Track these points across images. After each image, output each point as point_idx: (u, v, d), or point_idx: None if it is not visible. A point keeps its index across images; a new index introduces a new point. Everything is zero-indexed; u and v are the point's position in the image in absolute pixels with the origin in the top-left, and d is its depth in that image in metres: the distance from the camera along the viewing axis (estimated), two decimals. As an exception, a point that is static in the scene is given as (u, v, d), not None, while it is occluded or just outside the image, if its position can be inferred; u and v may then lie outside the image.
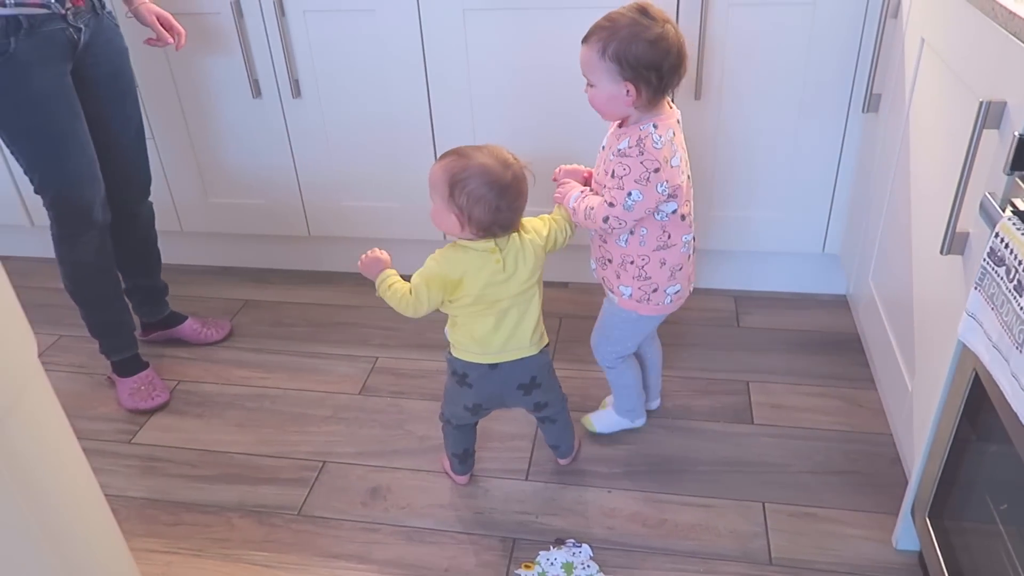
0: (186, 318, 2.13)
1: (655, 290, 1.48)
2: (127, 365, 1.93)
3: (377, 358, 2.02)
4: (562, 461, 1.66)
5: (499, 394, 1.49)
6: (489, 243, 1.35)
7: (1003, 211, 1.02)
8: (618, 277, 1.49)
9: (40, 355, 2.10)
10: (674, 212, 1.42)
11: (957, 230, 1.20)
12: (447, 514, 1.57)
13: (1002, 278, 0.96)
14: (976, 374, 1.12)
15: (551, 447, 1.65)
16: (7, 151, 1.77)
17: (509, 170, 1.31)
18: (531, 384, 1.48)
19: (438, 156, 1.36)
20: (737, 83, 1.87)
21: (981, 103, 1.11)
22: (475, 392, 1.47)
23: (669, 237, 1.44)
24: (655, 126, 1.36)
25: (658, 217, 1.41)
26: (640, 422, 1.72)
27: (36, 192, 1.72)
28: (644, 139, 1.34)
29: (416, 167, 2.08)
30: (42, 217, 2.43)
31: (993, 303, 0.98)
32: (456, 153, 1.33)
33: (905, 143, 1.57)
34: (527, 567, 1.44)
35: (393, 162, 2.12)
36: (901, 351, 1.55)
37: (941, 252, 1.23)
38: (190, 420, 1.86)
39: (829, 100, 1.85)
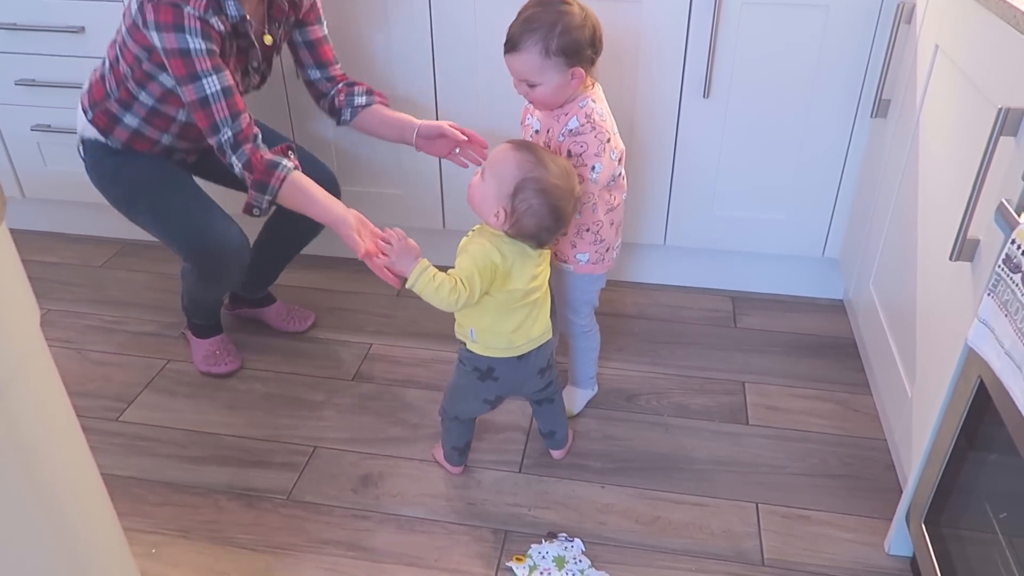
0: (275, 300, 2.07)
1: (607, 249, 1.56)
2: (207, 328, 1.93)
3: (371, 344, 2.00)
4: (556, 454, 1.64)
5: (522, 382, 1.49)
6: (525, 243, 1.34)
7: (1019, 217, 1.01)
8: (574, 247, 1.54)
9: (28, 328, 2.08)
10: (619, 175, 1.50)
11: (968, 236, 1.20)
12: (439, 504, 1.55)
13: (1017, 285, 0.95)
14: (982, 381, 1.11)
15: (546, 435, 1.63)
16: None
17: (571, 199, 1.31)
18: (547, 366, 1.48)
19: (511, 140, 1.34)
20: (746, 83, 1.86)
21: (1000, 109, 1.11)
22: (500, 384, 1.46)
23: (614, 199, 1.51)
24: (593, 101, 1.43)
25: (608, 184, 1.48)
26: (596, 388, 1.79)
27: (186, 259, 1.73)
28: (591, 115, 1.42)
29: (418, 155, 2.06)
30: (34, 189, 2.40)
31: (1007, 310, 0.98)
32: (534, 154, 1.30)
33: (914, 149, 1.57)
34: (518, 560, 1.43)
35: (394, 147, 2.09)
36: (901, 357, 1.54)
37: (951, 258, 1.22)
38: (180, 400, 1.84)
39: (837, 104, 1.85)
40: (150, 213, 1.70)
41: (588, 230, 1.51)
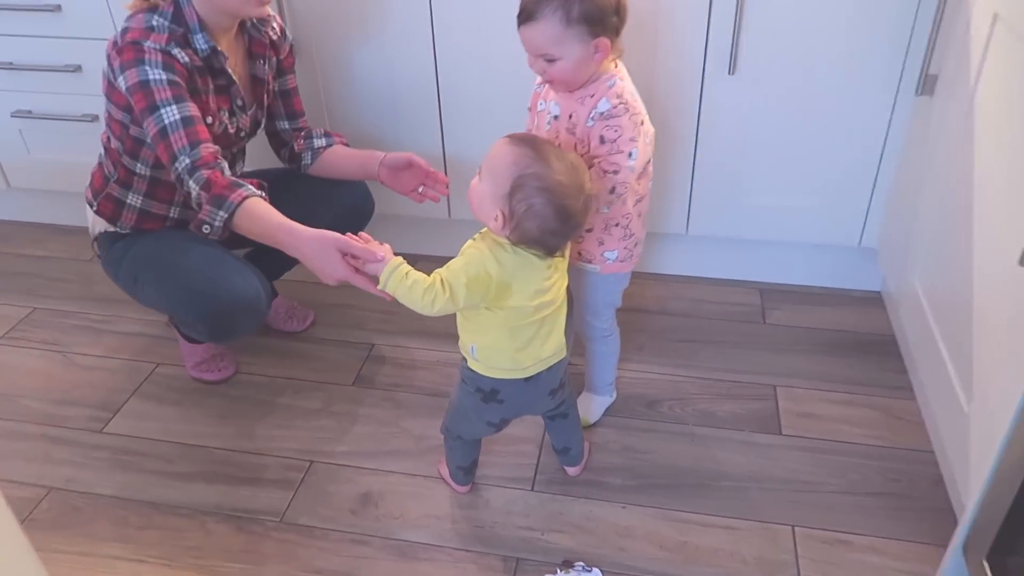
0: (275, 295, 1.93)
1: (636, 244, 1.43)
2: None
3: (373, 345, 1.87)
4: (571, 471, 1.51)
5: (530, 404, 1.36)
6: (533, 252, 1.19)
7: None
8: (601, 244, 1.39)
9: (10, 329, 1.98)
10: (648, 162, 1.35)
11: (1044, 239, 1.04)
12: (444, 527, 1.43)
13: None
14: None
15: (560, 452, 1.50)
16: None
17: (581, 197, 1.15)
18: (559, 385, 1.34)
19: (509, 135, 1.18)
20: (776, 57, 1.69)
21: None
22: (506, 407, 1.33)
23: (642, 187, 1.38)
24: (620, 79, 1.29)
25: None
26: (615, 394, 1.66)
27: (200, 325, 1.56)
28: (622, 94, 1.27)
29: (424, 140, 1.92)
30: (19, 178, 2.27)
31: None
32: (533, 148, 1.14)
33: (968, 132, 1.40)
34: (531, 591, 1.31)
35: (396, 131, 1.95)
36: (954, 363, 1.39)
37: (1020, 262, 1.07)
38: (168, 408, 1.72)
39: (877, 79, 1.68)
40: (152, 284, 1.57)
41: (617, 224, 1.36)
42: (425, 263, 2.24)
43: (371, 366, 1.81)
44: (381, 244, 1.25)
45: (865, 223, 1.85)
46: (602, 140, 1.26)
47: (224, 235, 1.40)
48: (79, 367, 1.84)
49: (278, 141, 1.74)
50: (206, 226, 1.39)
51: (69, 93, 2.03)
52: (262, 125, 1.69)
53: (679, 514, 1.43)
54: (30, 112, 2.10)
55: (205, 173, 1.39)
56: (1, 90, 2.08)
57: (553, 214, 1.13)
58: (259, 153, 1.80)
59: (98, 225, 1.62)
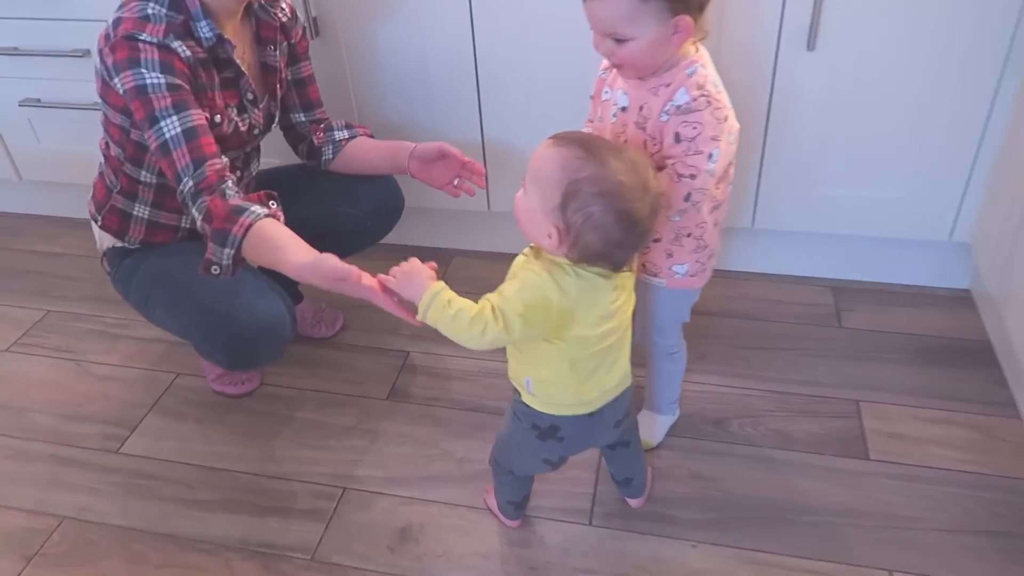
0: (301, 299, 1.78)
1: (710, 257, 1.25)
2: None
3: (408, 353, 1.71)
4: (634, 502, 1.35)
5: (593, 439, 1.20)
6: (595, 270, 1.01)
7: None
8: (669, 256, 1.22)
9: (23, 335, 1.85)
10: (730, 164, 1.17)
11: None
12: (493, 568, 1.28)
13: None
14: None
15: (621, 483, 1.34)
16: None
17: (647, 198, 0.96)
18: (625, 415, 1.18)
19: (552, 136, 1.00)
20: (861, 31, 1.48)
21: None
22: (566, 445, 1.17)
23: (721, 192, 1.19)
24: (703, 66, 1.09)
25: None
26: (678, 412, 1.50)
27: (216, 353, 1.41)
28: (704, 85, 1.07)
29: (461, 127, 1.75)
30: (31, 170, 2.14)
31: None
32: (582, 147, 0.96)
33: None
34: (594, 647, 1.16)
35: (428, 109, 1.77)
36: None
37: None
38: (188, 425, 1.58)
39: (978, 57, 1.46)
40: (164, 307, 1.41)
41: (690, 235, 1.19)
42: (463, 260, 2.05)
43: (406, 377, 1.66)
44: (425, 264, 1.08)
45: (958, 216, 1.65)
46: (678, 138, 1.07)
47: (238, 273, 1.24)
48: (94, 377, 1.71)
49: (295, 136, 1.57)
50: (215, 267, 1.21)
51: (78, 79, 1.87)
52: (276, 119, 1.52)
53: (758, 555, 1.27)
54: (39, 100, 1.96)
55: (207, 200, 1.21)
56: (7, 77, 1.94)
57: (615, 222, 0.95)
58: (276, 147, 1.63)
59: (105, 240, 1.47)
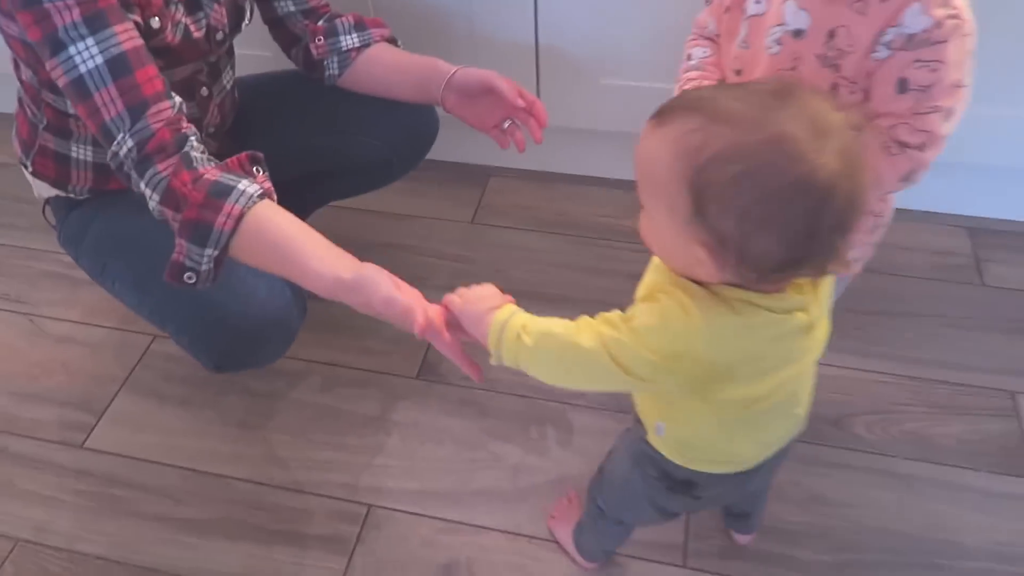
0: None
1: (881, 230, 0.96)
2: None
3: (441, 311, 1.38)
4: (743, 538, 1.06)
5: (741, 496, 0.94)
6: (788, 296, 0.66)
7: None
8: None
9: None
10: None
11: None
12: (566, 630, 1.01)
13: None
14: None
15: (734, 516, 1.04)
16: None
17: (834, 141, 0.57)
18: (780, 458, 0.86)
19: (654, 113, 0.62)
20: None
21: None
22: (702, 503, 0.87)
23: None
24: None
25: None
26: None
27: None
28: (949, 2, 0.70)
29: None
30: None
31: None
32: (698, 111, 0.59)
33: None
34: None
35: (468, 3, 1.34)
36: None
37: None
38: (170, 409, 1.26)
39: None
40: (127, 282, 1.04)
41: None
42: (501, 181, 1.66)
43: (441, 344, 1.33)
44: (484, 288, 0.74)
45: None
46: (903, 87, 0.70)
47: (220, 278, 0.86)
48: (51, 339, 1.38)
49: (285, 35, 1.15)
50: (189, 274, 0.84)
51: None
52: (249, 15, 1.09)
53: (907, 621, 1.00)
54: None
55: (163, 171, 0.82)
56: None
57: (792, 202, 0.57)
58: (266, 38, 1.21)
59: (42, 189, 1.09)
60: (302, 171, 1.21)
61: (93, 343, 1.36)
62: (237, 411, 1.26)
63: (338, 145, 1.19)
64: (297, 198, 1.23)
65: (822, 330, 0.71)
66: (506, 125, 1.10)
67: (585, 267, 1.43)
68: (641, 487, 0.86)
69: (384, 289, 0.77)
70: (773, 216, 0.58)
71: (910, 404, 1.21)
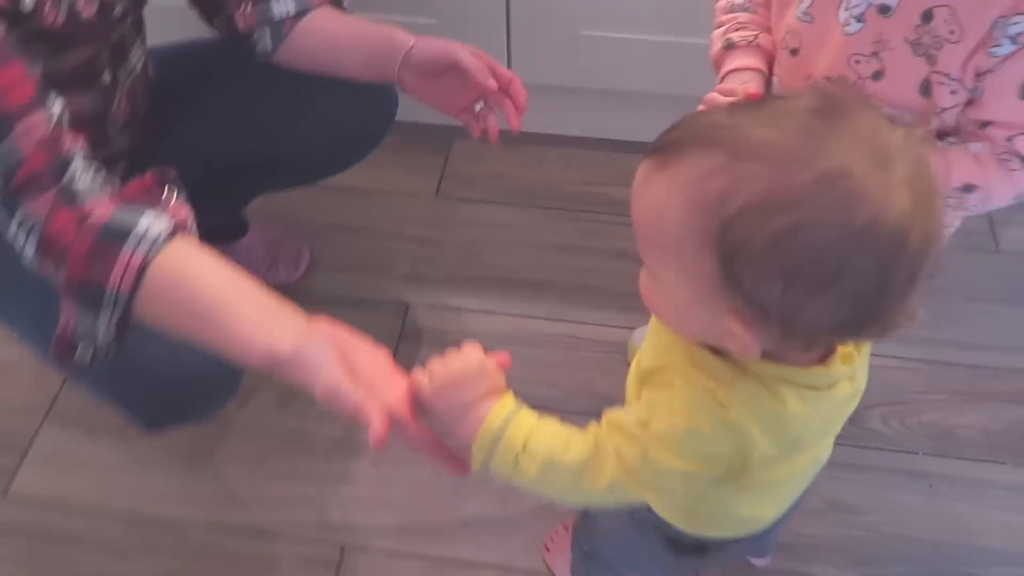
0: (246, 230, 1.23)
1: None
2: None
3: (408, 306, 1.23)
4: (760, 562, 0.97)
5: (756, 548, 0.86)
6: (833, 367, 0.53)
7: None
8: None
9: None
10: None
11: None
12: None
13: None
14: None
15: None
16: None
17: (895, 177, 0.43)
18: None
19: (649, 150, 0.48)
20: None
21: None
22: (710, 562, 0.76)
23: None
24: None
25: None
26: None
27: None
28: None
29: None
30: None
31: None
32: (716, 142, 0.45)
33: None
34: None
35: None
36: None
37: None
38: (104, 441, 1.11)
39: None
40: (24, 319, 0.84)
41: None
42: (467, 146, 1.51)
43: (408, 347, 1.19)
44: (488, 357, 0.59)
45: None
46: None
47: (124, 346, 0.69)
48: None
49: (206, 2, 0.94)
50: (82, 345, 0.66)
51: None
52: None
53: (939, 643, 0.93)
54: None
55: (36, 211, 0.63)
56: None
57: (856, 257, 0.43)
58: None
59: None
60: (233, 163, 1.02)
61: (7, 361, 1.18)
62: (181, 440, 1.10)
63: (277, 131, 1.01)
64: (228, 193, 1.05)
65: (861, 377, 0.59)
66: (478, 108, 0.92)
67: (565, 245, 1.29)
68: (640, 548, 0.75)
69: (326, 376, 0.57)
70: (832, 276, 0.44)
71: (926, 392, 1.12)
